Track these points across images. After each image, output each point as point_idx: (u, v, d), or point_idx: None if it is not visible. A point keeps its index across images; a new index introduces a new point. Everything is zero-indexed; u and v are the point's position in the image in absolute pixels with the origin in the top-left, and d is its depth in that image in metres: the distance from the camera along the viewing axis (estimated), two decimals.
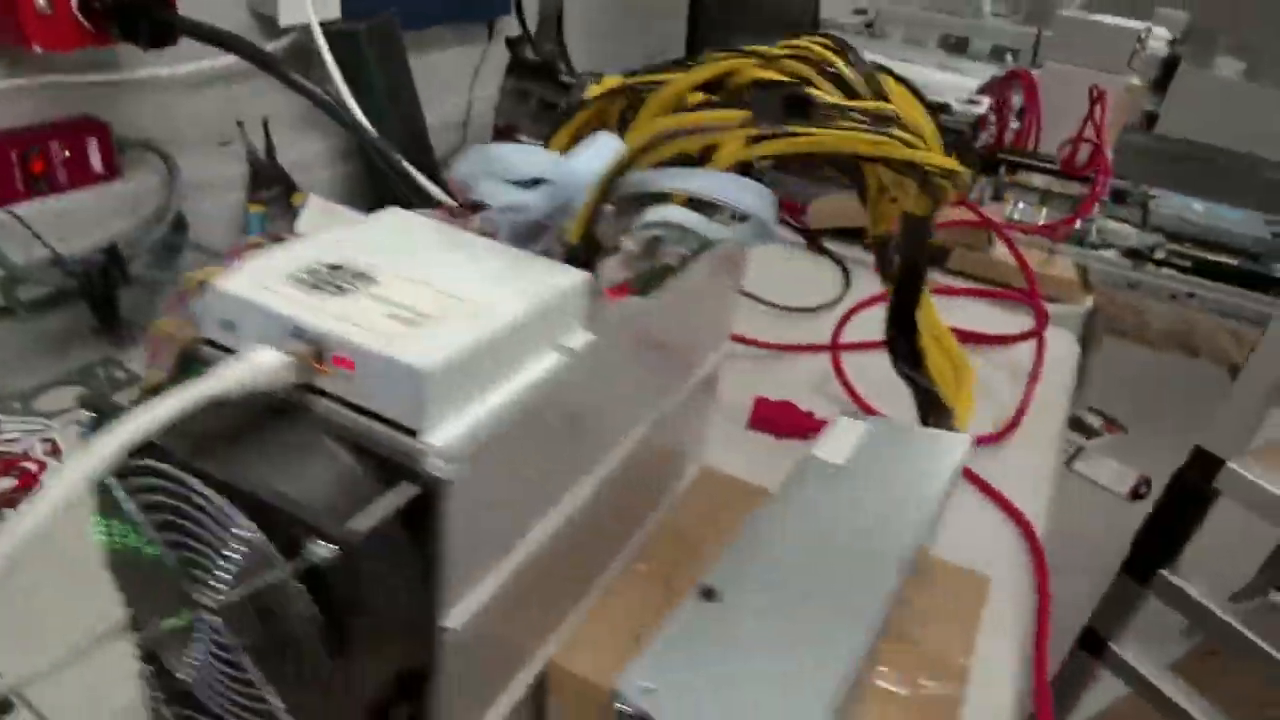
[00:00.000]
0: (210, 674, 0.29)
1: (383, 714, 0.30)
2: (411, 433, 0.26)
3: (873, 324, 0.48)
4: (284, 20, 0.69)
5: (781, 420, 0.65)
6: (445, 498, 0.26)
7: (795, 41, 0.35)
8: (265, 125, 0.73)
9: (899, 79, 0.35)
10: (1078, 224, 1.02)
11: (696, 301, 0.42)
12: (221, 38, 0.55)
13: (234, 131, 0.73)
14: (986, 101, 1.16)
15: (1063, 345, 0.86)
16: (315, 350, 0.27)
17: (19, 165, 0.60)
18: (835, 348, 0.77)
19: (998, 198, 1.13)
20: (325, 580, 0.24)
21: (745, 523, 0.34)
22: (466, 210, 0.35)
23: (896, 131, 0.33)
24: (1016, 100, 1.32)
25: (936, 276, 0.95)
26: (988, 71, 1.37)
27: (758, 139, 0.34)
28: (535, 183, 0.34)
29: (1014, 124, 1.29)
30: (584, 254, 0.33)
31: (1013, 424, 0.71)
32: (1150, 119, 1.63)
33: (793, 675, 0.28)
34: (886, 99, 0.34)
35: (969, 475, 0.65)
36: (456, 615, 0.30)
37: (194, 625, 0.29)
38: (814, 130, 0.32)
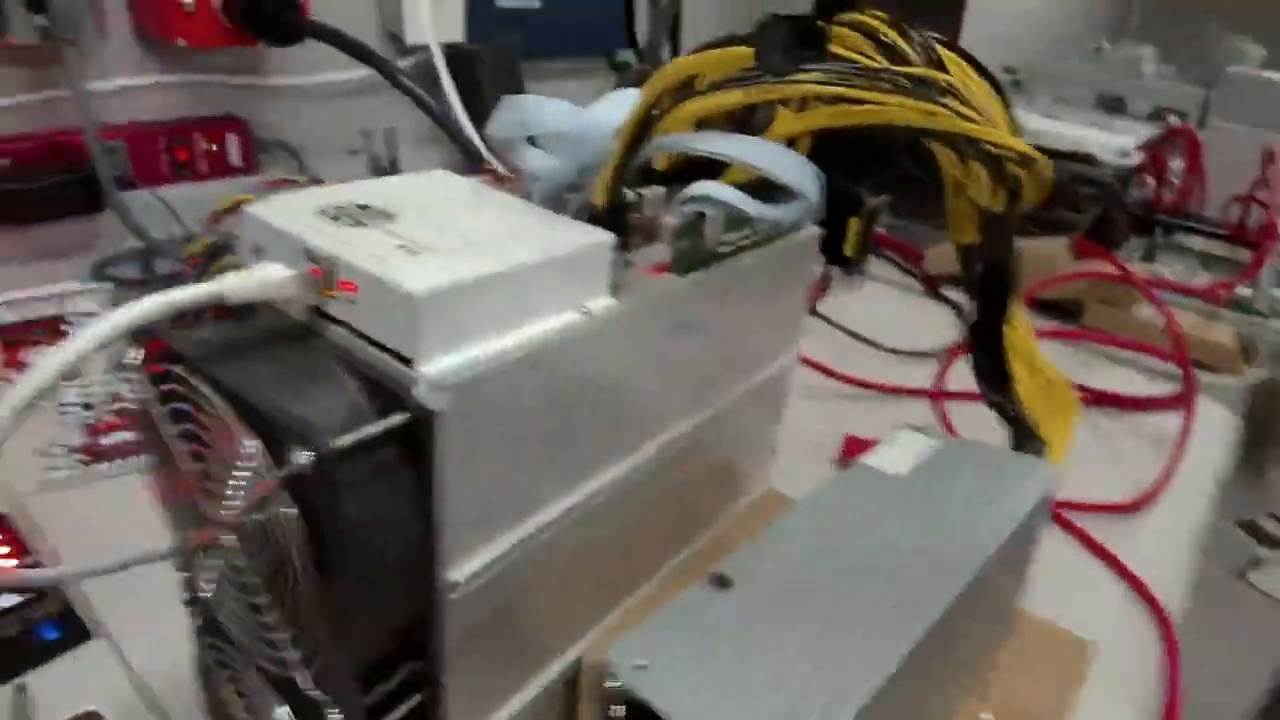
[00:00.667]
0: (225, 596, 0.29)
1: (386, 670, 0.29)
2: (408, 362, 0.25)
3: None
4: (410, 39, 0.73)
5: None
6: (435, 429, 0.25)
7: (851, 15, 0.33)
8: (389, 136, 0.77)
9: (966, 56, 0.32)
10: (1237, 289, 0.92)
11: (749, 294, 0.40)
12: (342, 40, 0.59)
13: (360, 141, 0.78)
14: (1138, 155, 1.08)
15: (1215, 418, 0.76)
16: (326, 273, 0.26)
17: (166, 152, 0.66)
18: (938, 394, 0.71)
19: (1149, 258, 1.04)
20: (310, 494, 0.23)
21: (776, 519, 0.31)
22: (508, 175, 0.35)
23: (951, 102, 0.29)
24: (1177, 164, 1.22)
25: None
26: (1147, 132, 1.28)
27: (801, 108, 0.31)
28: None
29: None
30: (610, 218, 0.31)
31: (1150, 495, 0.63)
32: None
33: (808, 675, 0.24)
34: (944, 69, 0.31)
35: (1093, 546, 0.58)
36: (460, 570, 0.28)
37: (210, 548, 0.29)
38: (860, 95, 0.29)
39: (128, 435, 0.60)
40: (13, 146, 0.59)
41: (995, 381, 0.41)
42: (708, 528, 0.46)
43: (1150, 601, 0.53)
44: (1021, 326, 0.41)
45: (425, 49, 0.74)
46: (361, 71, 0.76)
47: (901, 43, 0.30)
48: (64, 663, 0.43)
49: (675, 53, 0.91)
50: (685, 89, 0.30)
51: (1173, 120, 1.47)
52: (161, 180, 0.66)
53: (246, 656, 0.31)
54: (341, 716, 0.27)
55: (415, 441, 0.25)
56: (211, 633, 0.33)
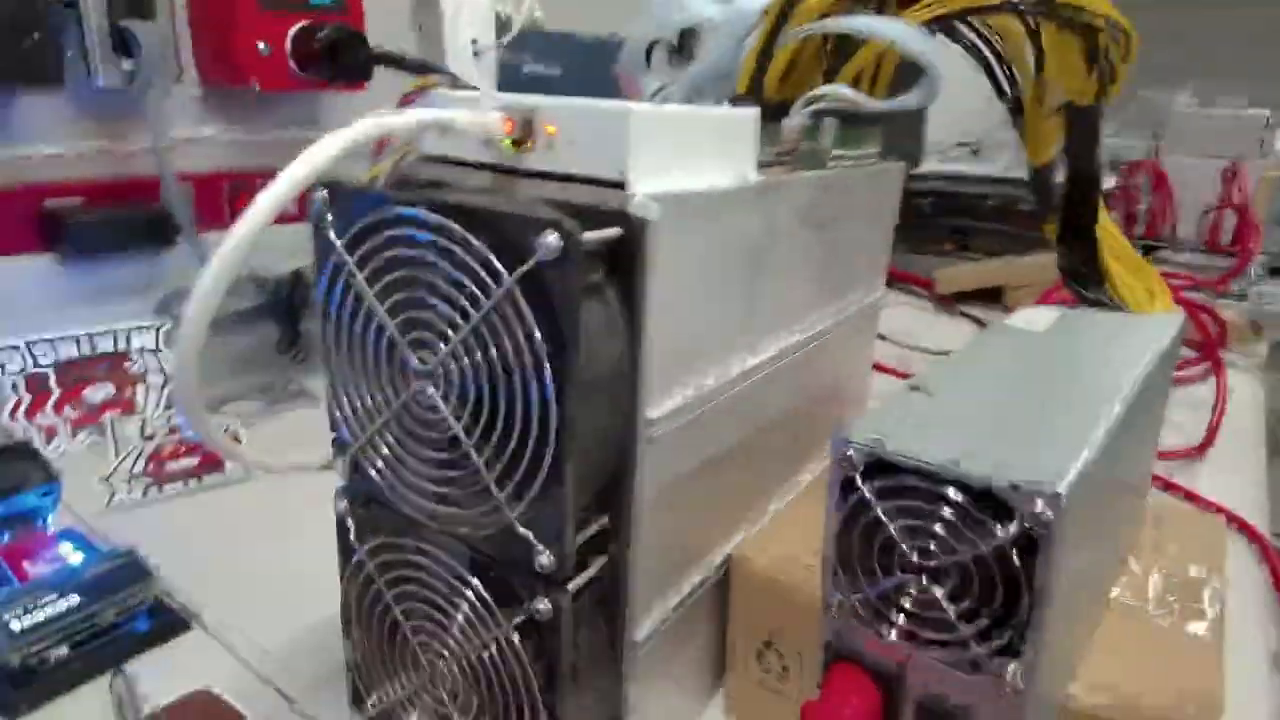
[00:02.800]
0: (413, 461, 0.29)
1: (582, 523, 0.28)
2: (619, 186, 0.27)
3: None
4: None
5: None
6: (647, 239, 0.26)
7: None
8: None
9: None
10: (1233, 285, 0.98)
11: (856, 208, 0.42)
12: (416, 65, 0.62)
13: None
14: (1113, 179, 1.16)
15: (1244, 387, 0.79)
16: (524, 123, 0.28)
17: (227, 200, 0.69)
18: None
19: None
20: (549, 287, 0.24)
21: (941, 361, 0.32)
22: None
23: None
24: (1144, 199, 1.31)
25: None
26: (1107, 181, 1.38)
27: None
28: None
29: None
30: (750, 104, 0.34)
31: (1208, 440, 0.65)
32: None
33: (1032, 438, 0.25)
34: None
35: (1170, 486, 0.59)
36: (658, 408, 0.29)
37: (398, 413, 0.29)
38: None
39: (190, 461, 0.59)
40: (85, 187, 0.61)
41: (1090, 280, 0.43)
42: (824, 455, 0.47)
43: (1244, 526, 0.54)
44: (1108, 223, 0.43)
45: None
46: None
47: None
48: (164, 652, 0.41)
49: None
50: None
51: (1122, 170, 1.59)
52: (223, 224, 0.68)
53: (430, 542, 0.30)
54: (553, 556, 0.27)
55: (624, 263, 0.27)
56: (378, 533, 0.32)
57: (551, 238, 0.24)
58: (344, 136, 0.25)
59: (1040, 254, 1.03)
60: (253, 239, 0.24)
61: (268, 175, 0.24)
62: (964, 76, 0.40)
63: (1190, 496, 0.58)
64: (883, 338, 0.86)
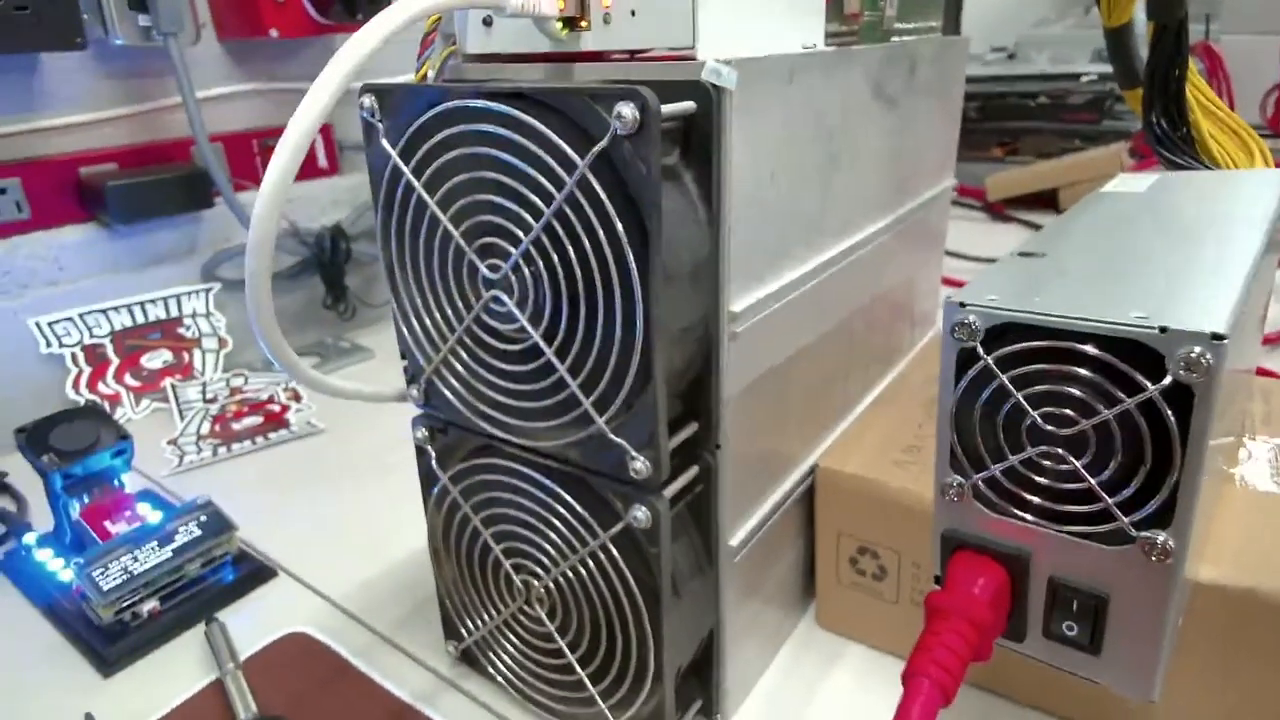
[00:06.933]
0: (491, 377, 0.28)
1: (671, 429, 0.27)
2: (687, 58, 0.25)
3: None
4: None
5: None
6: (725, 108, 0.24)
7: None
8: None
9: None
10: None
11: (923, 85, 0.40)
12: None
13: None
14: None
15: None
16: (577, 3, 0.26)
17: (259, 154, 0.67)
18: None
19: None
20: (627, 164, 0.22)
21: (1045, 226, 0.30)
22: None
23: None
24: None
25: None
26: None
27: None
28: None
29: None
30: None
31: None
32: None
33: (1166, 285, 0.22)
34: None
35: (1263, 372, 0.56)
36: (739, 302, 0.27)
37: (470, 328, 0.28)
38: None
39: (254, 419, 0.59)
40: (116, 152, 0.60)
41: (1179, 144, 0.40)
42: (893, 365, 0.45)
43: None
44: (1196, 79, 0.40)
45: None
46: None
47: None
48: (251, 600, 0.41)
49: None
50: None
51: None
52: (255, 180, 0.67)
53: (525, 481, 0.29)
54: (647, 461, 0.25)
55: (699, 143, 0.25)
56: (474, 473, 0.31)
57: (627, 109, 0.22)
58: (389, 19, 0.23)
59: (1096, 149, 0.99)
60: (320, 119, 0.23)
61: None
62: None
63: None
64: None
